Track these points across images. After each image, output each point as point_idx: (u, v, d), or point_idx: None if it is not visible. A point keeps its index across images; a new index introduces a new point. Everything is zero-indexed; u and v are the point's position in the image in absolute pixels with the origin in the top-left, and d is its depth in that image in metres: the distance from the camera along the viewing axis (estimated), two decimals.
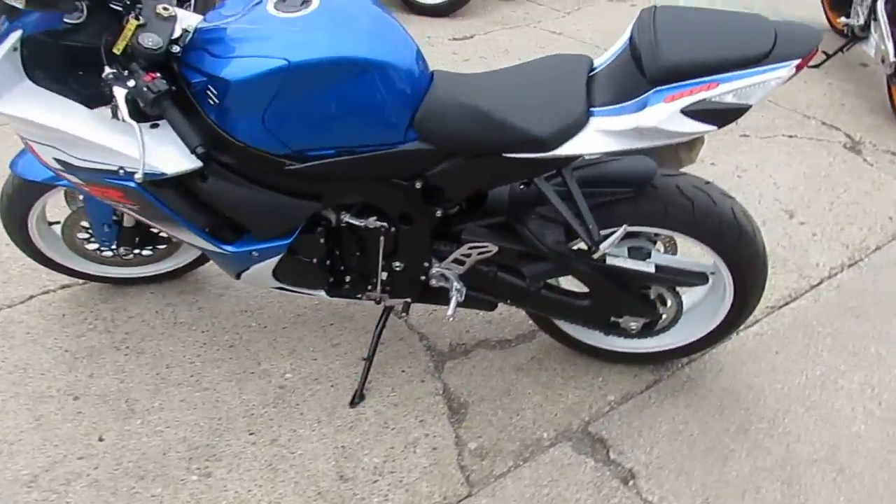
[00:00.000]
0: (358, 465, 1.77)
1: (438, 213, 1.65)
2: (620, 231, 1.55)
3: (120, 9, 1.57)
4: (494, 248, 1.69)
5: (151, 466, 1.73)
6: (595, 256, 1.58)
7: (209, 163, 1.54)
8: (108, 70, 1.46)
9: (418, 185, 1.59)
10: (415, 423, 1.87)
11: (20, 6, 1.36)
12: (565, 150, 1.44)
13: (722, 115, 1.37)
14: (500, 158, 1.50)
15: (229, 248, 1.70)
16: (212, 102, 1.48)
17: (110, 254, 2.05)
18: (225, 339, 2.10)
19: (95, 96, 1.64)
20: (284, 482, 1.72)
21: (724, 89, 1.34)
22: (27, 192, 1.87)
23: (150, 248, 2.10)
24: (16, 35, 1.45)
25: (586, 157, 1.58)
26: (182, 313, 2.17)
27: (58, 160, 1.60)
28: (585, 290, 1.77)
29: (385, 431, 1.85)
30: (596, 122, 1.43)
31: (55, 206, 2.00)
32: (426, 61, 1.60)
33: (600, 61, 1.56)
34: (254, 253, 1.70)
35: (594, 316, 1.81)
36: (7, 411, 1.84)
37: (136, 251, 2.06)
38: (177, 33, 1.55)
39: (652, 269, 1.69)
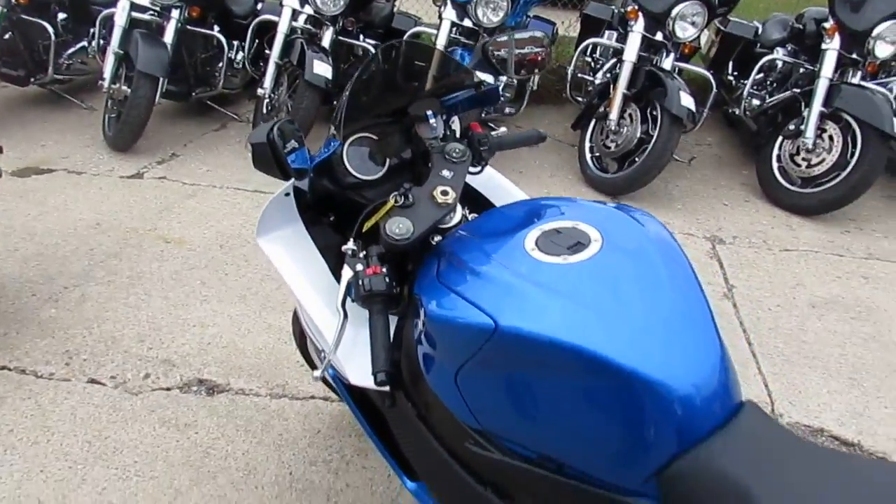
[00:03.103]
0: None
1: None
2: None
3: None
4: None
5: None
6: None
7: (397, 390, 1.21)
8: (349, 244, 1.26)
9: None
10: None
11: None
12: None
13: None
14: None
15: (408, 483, 1.34)
16: (419, 326, 1.14)
17: None
18: None
19: None
20: None
21: None
22: None
23: None
24: (288, 182, 1.37)
25: None
26: (406, 495, 1.89)
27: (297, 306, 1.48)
28: None
29: None
30: None
31: None
32: (735, 382, 0.98)
33: None
34: None
35: None
36: None
37: None
38: (454, 220, 1.28)
39: None
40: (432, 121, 1.39)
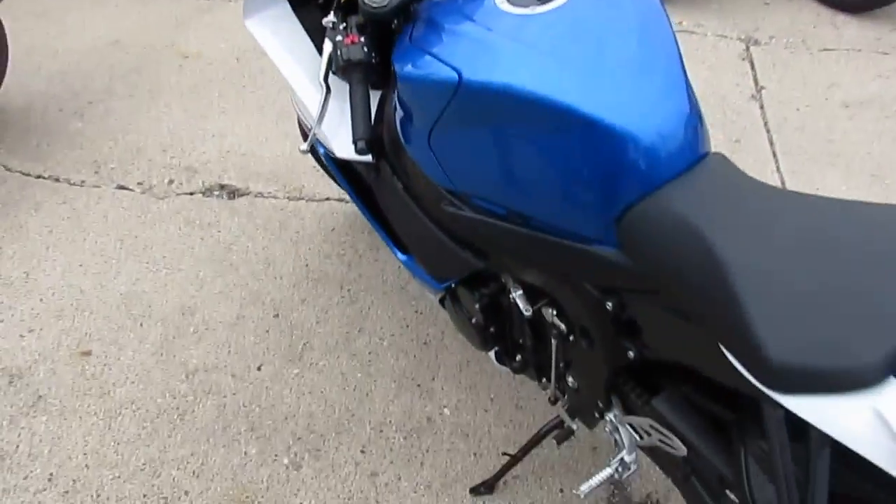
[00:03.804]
0: None
1: (631, 355, 1.08)
2: None
3: None
4: (682, 451, 1.05)
5: (267, 424, 1.67)
6: None
7: (381, 161, 1.24)
8: (329, 17, 1.24)
9: (609, 305, 1.04)
10: None
11: None
12: (799, 407, 0.73)
13: None
14: (714, 347, 0.86)
15: (400, 255, 1.42)
16: (396, 93, 1.15)
17: None
18: (428, 332, 1.86)
19: None
20: None
21: None
22: None
23: None
24: None
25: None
26: (415, 283, 2.00)
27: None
28: None
29: None
30: None
31: None
32: (701, 134, 0.98)
33: None
34: (416, 275, 1.39)
35: None
36: (223, 292, 1.97)
37: None
38: None
39: None
40: None
